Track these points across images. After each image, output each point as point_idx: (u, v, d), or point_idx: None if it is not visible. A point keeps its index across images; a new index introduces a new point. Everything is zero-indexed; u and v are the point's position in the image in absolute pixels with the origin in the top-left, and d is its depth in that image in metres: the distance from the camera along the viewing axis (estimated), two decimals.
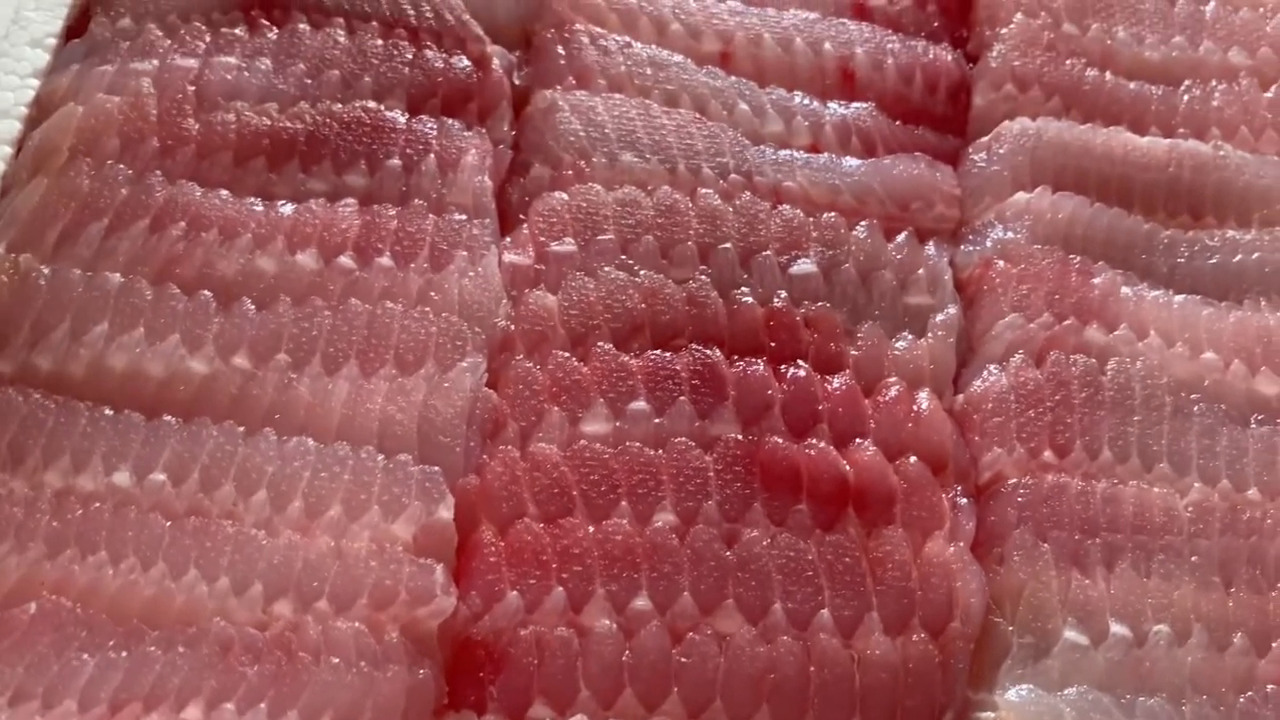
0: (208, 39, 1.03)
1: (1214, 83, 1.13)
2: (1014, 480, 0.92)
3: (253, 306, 0.91)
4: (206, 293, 0.92)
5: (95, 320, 0.89)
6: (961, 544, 0.89)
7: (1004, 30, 1.12)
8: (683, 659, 0.83)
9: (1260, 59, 1.15)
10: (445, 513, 0.86)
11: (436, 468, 0.87)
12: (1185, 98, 1.12)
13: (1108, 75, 1.12)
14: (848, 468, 0.90)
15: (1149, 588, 0.89)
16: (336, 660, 0.80)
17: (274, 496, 0.85)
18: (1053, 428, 0.94)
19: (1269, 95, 1.13)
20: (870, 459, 0.90)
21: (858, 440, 0.92)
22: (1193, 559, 0.91)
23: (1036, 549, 0.89)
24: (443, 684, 0.82)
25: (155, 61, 1.01)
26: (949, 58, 1.11)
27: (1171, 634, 0.88)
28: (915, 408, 0.94)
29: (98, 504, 0.84)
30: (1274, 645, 0.88)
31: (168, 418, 0.87)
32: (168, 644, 0.80)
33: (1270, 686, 0.87)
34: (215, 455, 0.86)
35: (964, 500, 0.91)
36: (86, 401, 0.87)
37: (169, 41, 1.02)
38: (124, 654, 0.79)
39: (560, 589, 0.84)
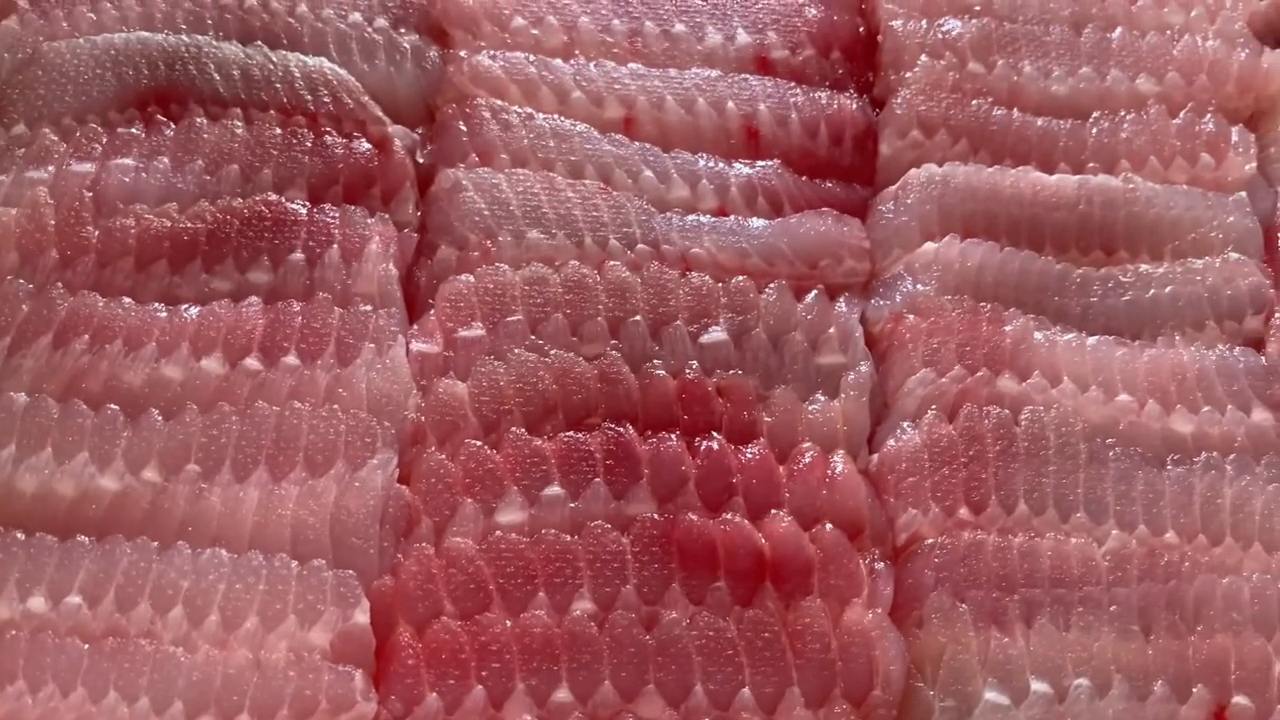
0: (104, 140, 1.03)
1: (1123, 113, 1.14)
2: (931, 540, 0.93)
3: (160, 417, 0.92)
4: (113, 406, 0.92)
5: (2, 443, 0.90)
6: (880, 610, 0.90)
7: (909, 74, 1.12)
8: None
9: (1168, 84, 1.15)
10: (361, 617, 0.86)
11: (351, 571, 0.88)
12: (1094, 130, 1.13)
13: (1015, 113, 1.12)
14: (763, 540, 0.91)
15: (1068, 641, 0.90)
16: None
17: (190, 612, 0.86)
18: (967, 484, 0.95)
19: (1177, 122, 1.13)
20: (785, 530, 0.91)
21: (773, 511, 0.92)
22: (1112, 608, 0.92)
23: (955, 610, 0.90)
24: None
25: (51, 169, 1.01)
26: (854, 106, 1.11)
27: (1092, 687, 0.89)
28: (830, 472, 0.94)
29: (14, 631, 0.84)
30: (1194, 690, 0.90)
31: (81, 538, 0.88)
32: None
33: None
34: (130, 574, 0.87)
35: (881, 565, 0.92)
36: None
37: (64, 146, 1.02)
38: None
39: (480, 687, 0.85)
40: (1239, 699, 0.90)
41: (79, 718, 0.82)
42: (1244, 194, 1.12)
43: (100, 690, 0.83)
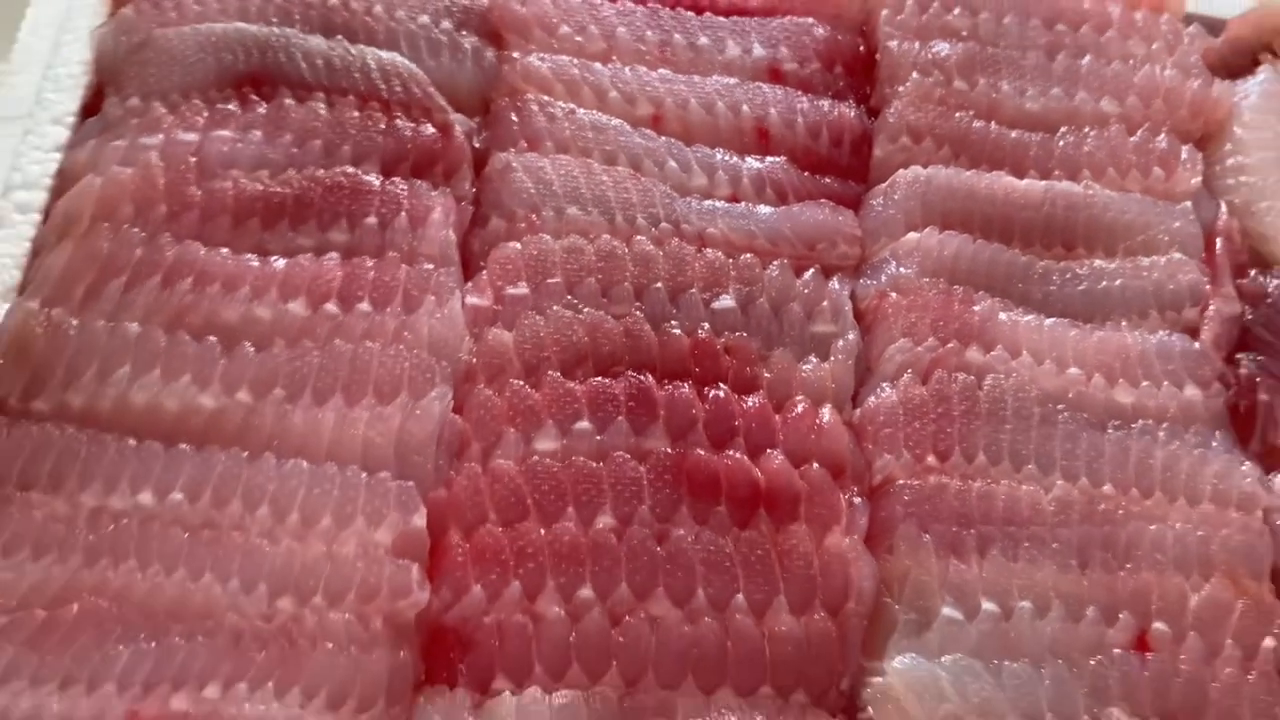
0: (205, 114, 1.16)
1: (1087, 129, 1.28)
2: (902, 482, 1.06)
3: (252, 349, 1.05)
4: (212, 338, 1.05)
5: (118, 364, 1.03)
6: (856, 537, 1.03)
7: (901, 88, 1.27)
8: (620, 638, 0.98)
9: (1128, 106, 1.30)
10: (419, 521, 1.00)
11: (411, 483, 1.01)
12: (1060, 143, 1.27)
13: (992, 125, 1.27)
14: (760, 474, 1.05)
15: (1016, 570, 1.04)
16: (330, 645, 0.95)
17: (275, 511, 0.99)
18: (935, 436, 1.09)
19: (1134, 139, 1.28)
20: (779, 466, 1.05)
21: (769, 450, 1.06)
22: (1054, 545, 1.06)
23: (920, 539, 1.04)
24: (420, 664, 0.97)
25: (161, 136, 1.14)
26: (852, 114, 1.26)
27: (1034, 609, 1.02)
28: (818, 421, 1.09)
29: (126, 520, 0.98)
30: (1120, 616, 1.04)
31: (183, 446, 1.01)
32: (189, 635, 0.94)
33: (1117, 650, 1.02)
34: (224, 477, 1.00)
35: (859, 500, 1.06)
36: (114, 434, 1.01)
37: (172, 118, 1.15)
38: (153, 644, 0.94)
39: (517, 583, 0.99)
40: (1158, 625, 1.03)
41: (180, 593, 0.96)
42: (1189, 204, 1.26)
43: (198, 571, 0.96)
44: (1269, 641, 1.04)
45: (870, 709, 0.99)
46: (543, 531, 1.01)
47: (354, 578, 0.97)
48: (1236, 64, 1.38)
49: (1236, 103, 1.32)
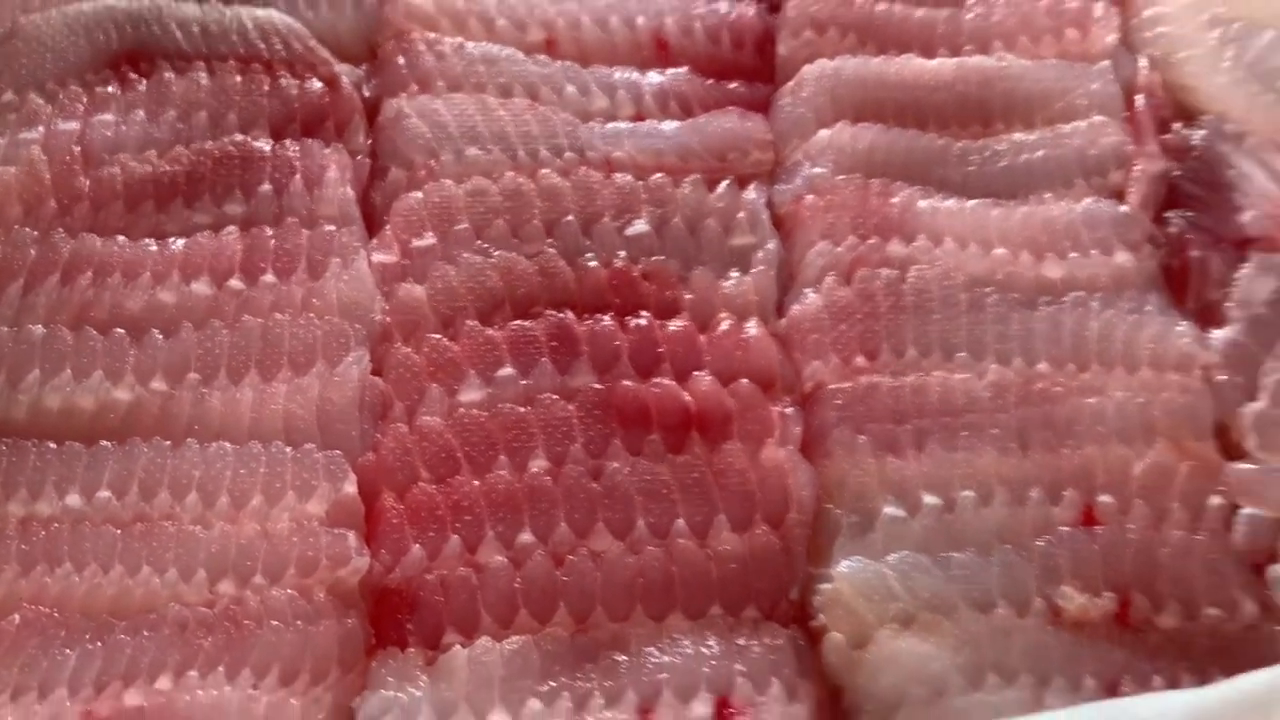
0: (85, 100, 1.13)
1: None
2: (832, 386, 1.05)
3: (161, 336, 1.04)
4: (120, 330, 1.03)
5: (27, 369, 1.02)
6: (791, 447, 1.03)
7: None
8: (565, 578, 0.97)
9: None
10: (350, 488, 0.99)
11: (338, 451, 1.00)
12: (969, 16, 1.23)
13: (896, 6, 1.23)
14: (689, 398, 1.03)
15: (955, 460, 1.03)
16: (276, 623, 0.94)
17: (204, 496, 0.98)
18: (862, 336, 1.07)
19: (1044, 2, 1.24)
20: (708, 387, 1.04)
21: (696, 373, 1.05)
22: (993, 431, 1.04)
23: (855, 441, 1.03)
24: (369, 629, 0.96)
25: (41, 129, 1.11)
26: (752, 13, 1.22)
27: (977, 497, 1.02)
28: (744, 336, 1.07)
29: (56, 524, 0.97)
30: (1065, 493, 1.03)
31: (104, 443, 1.00)
32: (134, 630, 0.94)
33: (1064, 528, 1.01)
34: (149, 469, 0.99)
35: (791, 409, 1.05)
36: (32, 440, 1.00)
37: (50, 108, 1.12)
38: (99, 644, 0.93)
39: (456, 537, 0.98)
40: (1104, 497, 1.02)
41: (119, 590, 0.95)
42: (1108, 63, 1.22)
43: (135, 566, 0.96)
44: (1215, 499, 1.03)
45: (821, 615, 0.99)
46: (476, 483, 1.00)
47: (291, 553, 0.97)
48: None
49: None
